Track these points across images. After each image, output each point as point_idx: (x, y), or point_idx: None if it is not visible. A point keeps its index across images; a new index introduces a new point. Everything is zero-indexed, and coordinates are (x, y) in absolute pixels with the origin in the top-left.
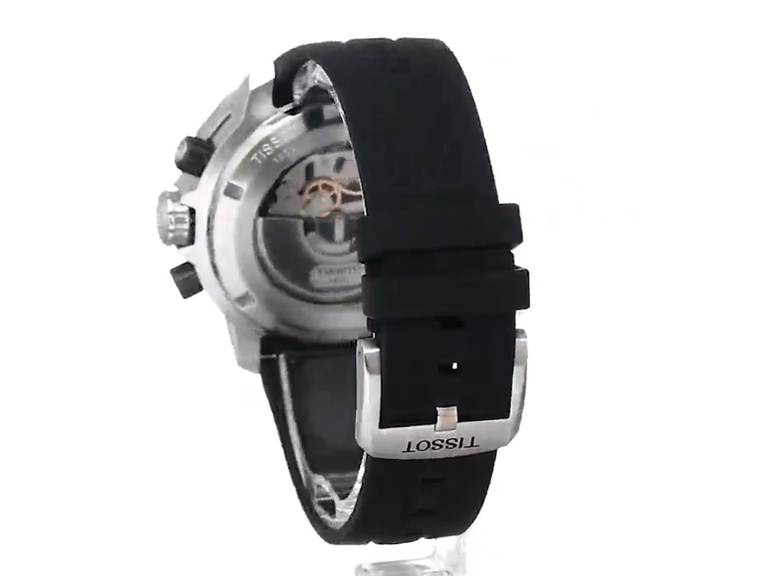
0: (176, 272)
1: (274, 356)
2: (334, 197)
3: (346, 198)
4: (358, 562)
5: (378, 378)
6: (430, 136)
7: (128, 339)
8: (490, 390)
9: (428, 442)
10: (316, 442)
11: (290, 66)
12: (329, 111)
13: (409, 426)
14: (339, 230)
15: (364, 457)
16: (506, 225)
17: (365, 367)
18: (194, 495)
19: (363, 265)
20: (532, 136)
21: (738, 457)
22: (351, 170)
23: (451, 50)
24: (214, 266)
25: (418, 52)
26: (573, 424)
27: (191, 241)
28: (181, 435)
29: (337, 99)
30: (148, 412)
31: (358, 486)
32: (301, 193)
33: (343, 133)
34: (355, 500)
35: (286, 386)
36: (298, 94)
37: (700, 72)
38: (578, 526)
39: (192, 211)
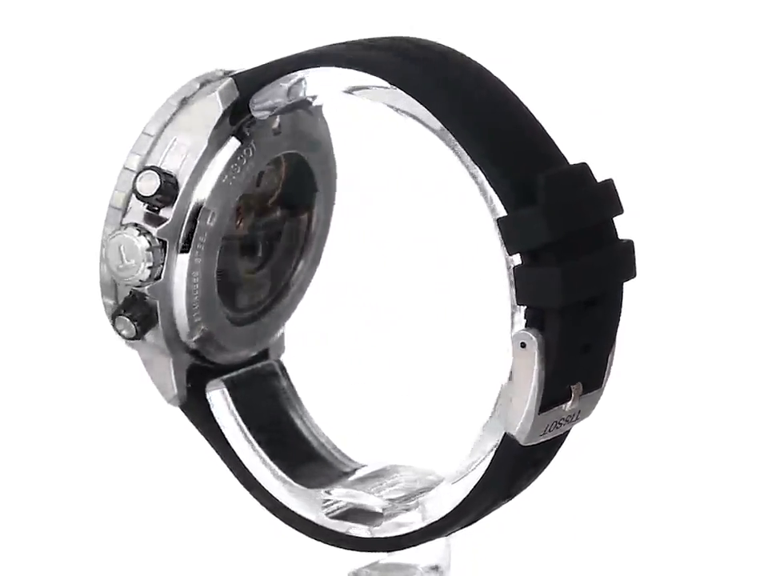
0: (124, 309)
1: (199, 383)
2: (256, 212)
3: (264, 212)
4: (341, 566)
5: (543, 365)
6: (510, 126)
7: None
8: (602, 361)
9: (556, 422)
10: (297, 456)
11: (263, 81)
12: (267, 124)
13: (554, 407)
14: (260, 246)
15: (487, 449)
16: (614, 200)
17: (536, 355)
18: (184, 508)
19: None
20: None
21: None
22: (266, 184)
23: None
24: (177, 298)
25: (427, 51)
26: None
27: (159, 276)
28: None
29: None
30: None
31: (455, 483)
32: (237, 211)
33: (279, 146)
34: (449, 499)
35: (230, 410)
36: (266, 109)
37: (697, 73)
38: (564, 523)
39: (164, 244)
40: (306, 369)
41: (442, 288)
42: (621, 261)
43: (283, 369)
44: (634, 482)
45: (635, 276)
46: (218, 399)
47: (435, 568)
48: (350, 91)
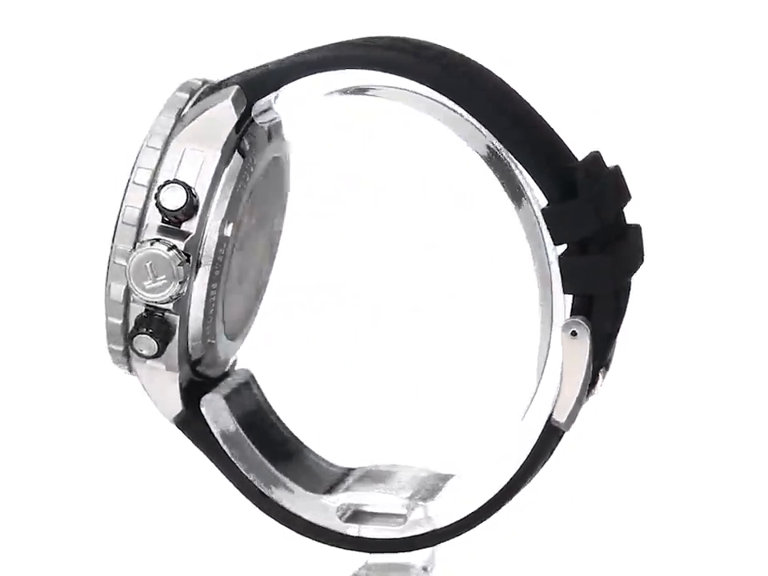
0: (146, 327)
1: (193, 398)
2: (246, 219)
3: (250, 218)
4: (339, 567)
5: (592, 351)
6: (529, 123)
7: None
8: (613, 344)
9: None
10: (294, 461)
11: (268, 88)
12: (262, 130)
13: (589, 392)
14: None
15: (527, 441)
16: (626, 186)
17: (588, 343)
18: (183, 513)
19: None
20: None
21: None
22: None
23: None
24: (195, 312)
25: (430, 50)
26: None
27: (183, 291)
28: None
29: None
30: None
31: (490, 477)
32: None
33: (271, 151)
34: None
35: (228, 421)
36: (269, 116)
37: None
38: (547, 524)
39: (188, 257)
40: (300, 371)
41: (440, 289)
42: (640, 245)
43: (253, 378)
44: (623, 479)
45: (645, 260)
46: (216, 412)
47: (424, 569)
48: (359, 92)
